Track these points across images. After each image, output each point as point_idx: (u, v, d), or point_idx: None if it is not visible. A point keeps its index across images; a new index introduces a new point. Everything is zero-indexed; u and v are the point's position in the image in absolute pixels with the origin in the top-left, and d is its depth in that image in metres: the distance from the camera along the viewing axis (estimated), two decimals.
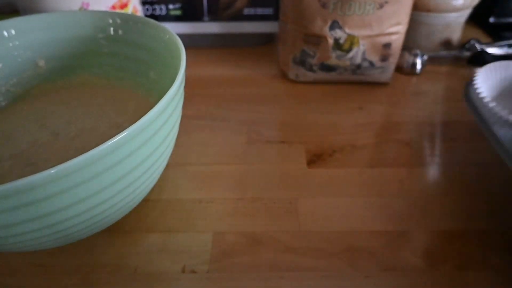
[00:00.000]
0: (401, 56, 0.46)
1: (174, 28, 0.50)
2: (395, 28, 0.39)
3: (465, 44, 0.47)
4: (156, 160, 0.24)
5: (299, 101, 0.42)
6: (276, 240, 0.27)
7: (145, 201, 0.28)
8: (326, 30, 0.39)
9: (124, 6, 0.40)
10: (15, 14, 0.36)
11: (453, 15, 0.46)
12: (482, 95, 0.30)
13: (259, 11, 0.49)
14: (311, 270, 0.25)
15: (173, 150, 0.32)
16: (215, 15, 0.50)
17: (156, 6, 0.49)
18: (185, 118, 0.38)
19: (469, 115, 0.39)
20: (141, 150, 0.21)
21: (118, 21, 0.33)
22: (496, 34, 0.53)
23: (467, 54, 0.47)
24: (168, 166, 0.33)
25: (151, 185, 0.26)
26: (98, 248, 0.27)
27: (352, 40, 0.39)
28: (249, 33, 0.51)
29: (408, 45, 0.48)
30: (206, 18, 0.50)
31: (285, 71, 0.46)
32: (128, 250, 0.27)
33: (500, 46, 0.47)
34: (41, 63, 0.34)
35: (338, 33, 0.39)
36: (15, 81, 0.34)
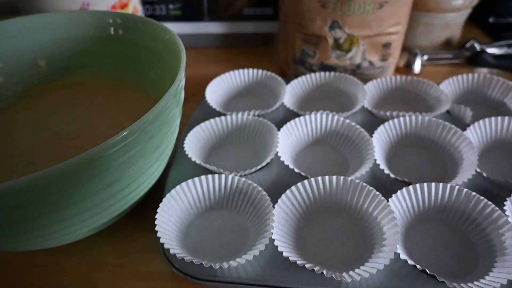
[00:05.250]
0: (401, 56, 0.46)
1: (174, 28, 0.50)
2: (394, 28, 0.39)
3: (465, 44, 0.48)
4: (156, 159, 0.24)
5: None
6: None
7: (145, 200, 0.28)
8: (325, 30, 0.39)
9: (124, 6, 0.40)
10: (15, 14, 0.36)
11: (452, 15, 0.46)
12: None
13: (259, 11, 0.49)
14: None
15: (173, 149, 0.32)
16: (215, 15, 0.50)
17: (156, 6, 0.49)
18: (185, 117, 0.38)
19: None
20: (141, 150, 0.21)
21: (119, 21, 0.33)
22: (496, 34, 0.53)
23: (466, 54, 0.47)
24: (168, 165, 0.33)
25: (151, 185, 0.26)
26: (98, 248, 0.27)
27: (351, 40, 0.39)
28: (249, 33, 0.51)
29: (408, 45, 0.49)
30: (206, 18, 0.50)
31: (285, 71, 0.46)
32: (128, 250, 0.27)
33: (500, 46, 0.47)
34: (42, 63, 0.34)
35: (338, 33, 0.39)
36: (16, 81, 0.34)
